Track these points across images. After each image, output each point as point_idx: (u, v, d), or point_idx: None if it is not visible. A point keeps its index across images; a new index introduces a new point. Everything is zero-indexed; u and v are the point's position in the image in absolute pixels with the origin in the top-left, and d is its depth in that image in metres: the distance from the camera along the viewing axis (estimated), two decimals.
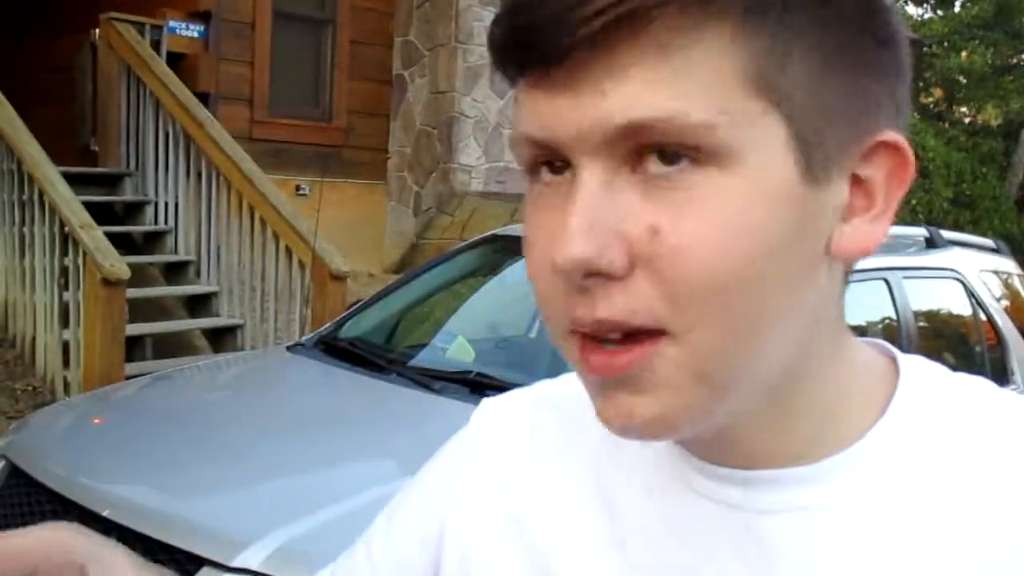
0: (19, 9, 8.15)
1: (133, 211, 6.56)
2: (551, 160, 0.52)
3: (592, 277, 0.49)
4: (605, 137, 0.49)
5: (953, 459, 0.57)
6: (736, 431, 0.57)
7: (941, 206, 12.69)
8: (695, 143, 0.48)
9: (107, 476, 2.60)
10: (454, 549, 0.69)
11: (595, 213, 0.49)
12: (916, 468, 0.57)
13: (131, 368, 4.83)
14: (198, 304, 6.13)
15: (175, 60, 6.89)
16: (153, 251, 6.42)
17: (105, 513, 2.35)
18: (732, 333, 0.50)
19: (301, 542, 2.17)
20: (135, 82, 6.46)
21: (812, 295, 0.54)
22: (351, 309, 3.87)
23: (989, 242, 4.99)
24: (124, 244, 5.55)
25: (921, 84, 15.37)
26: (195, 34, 7.23)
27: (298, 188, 7.66)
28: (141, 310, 5.57)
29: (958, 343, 4.22)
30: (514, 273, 4.01)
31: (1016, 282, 4.74)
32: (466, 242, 4.22)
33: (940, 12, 16.61)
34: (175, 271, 6.31)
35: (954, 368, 0.63)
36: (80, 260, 4.82)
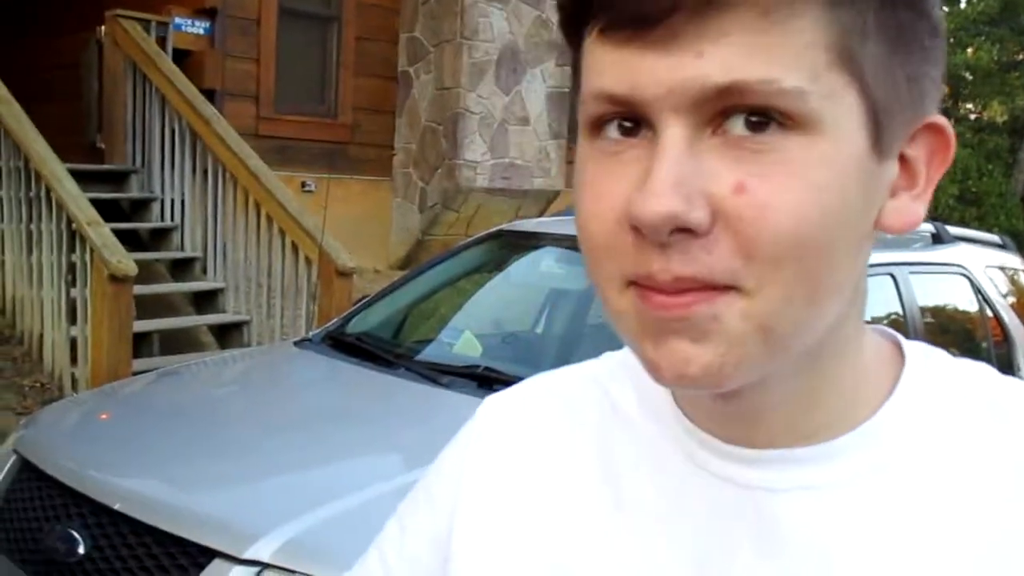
0: (25, 6, 8.17)
1: (139, 208, 6.57)
2: (625, 118, 0.53)
3: (677, 233, 0.50)
4: (697, 97, 0.50)
5: (958, 440, 0.58)
6: (764, 405, 0.58)
7: (947, 203, 12.68)
8: (787, 109, 0.50)
9: (117, 470, 2.61)
10: (463, 542, 0.69)
11: (681, 170, 0.50)
12: (923, 448, 0.58)
13: (138, 364, 4.84)
14: (205, 300, 6.15)
15: (181, 57, 6.90)
16: (160, 248, 6.43)
17: (116, 506, 2.36)
18: (801, 294, 0.51)
19: (311, 535, 2.18)
20: (141, 79, 6.48)
21: (862, 266, 0.57)
22: (358, 304, 3.88)
23: (995, 238, 4.98)
24: (131, 241, 5.56)
25: None
26: (201, 31, 7.24)
27: (304, 184, 7.67)
28: (148, 306, 5.58)
29: (964, 339, 4.22)
30: (520, 269, 4.02)
31: (1022, 278, 4.74)
32: (472, 238, 4.23)
33: (946, 8, 16.59)
34: (181, 268, 6.32)
35: None
36: (87, 257, 4.84)
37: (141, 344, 5.28)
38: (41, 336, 5.24)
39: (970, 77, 15.34)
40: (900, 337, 0.64)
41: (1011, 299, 4.46)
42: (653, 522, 0.62)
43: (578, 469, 0.67)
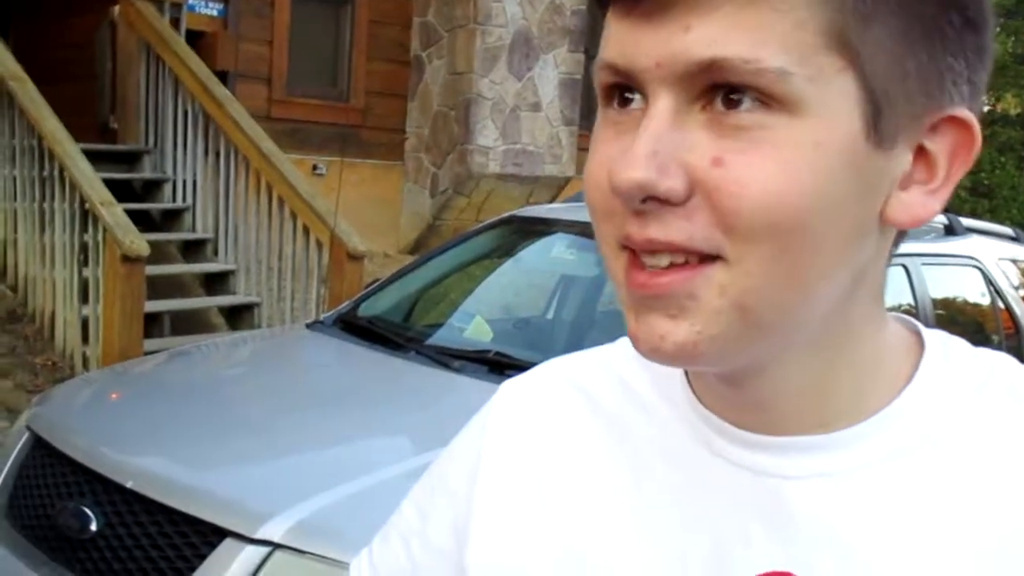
0: None
1: (151, 189, 6.58)
2: (626, 88, 0.55)
3: (650, 201, 0.51)
4: (682, 71, 0.51)
5: (976, 429, 0.58)
6: (775, 392, 0.58)
7: (958, 195, 12.63)
8: (768, 89, 0.50)
9: (130, 448, 2.63)
10: (481, 527, 0.69)
11: (660, 140, 0.51)
12: (940, 436, 0.58)
13: (149, 345, 4.86)
14: (215, 282, 6.16)
15: (194, 38, 6.90)
16: (171, 229, 6.44)
17: (129, 484, 2.38)
18: (781, 272, 0.52)
19: (322, 515, 2.19)
20: (154, 60, 6.47)
21: (860, 256, 0.55)
22: (369, 288, 3.88)
23: (1008, 230, 4.96)
24: (142, 221, 5.56)
25: None
26: (214, 12, 7.23)
27: (315, 168, 7.67)
28: (159, 287, 5.60)
29: (975, 331, 4.21)
30: (531, 254, 4.02)
31: None
32: (483, 223, 4.23)
33: None
34: (193, 249, 6.33)
35: None
36: (100, 237, 4.85)
37: (152, 325, 5.29)
38: (53, 315, 5.26)
39: None
40: (920, 326, 0.64)
41: (1023, 292, 4.45)
42: (669, 507, 0.62)
43: (594, 454, 0.67)
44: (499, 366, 2.90)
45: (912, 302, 3.55)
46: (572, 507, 0.66)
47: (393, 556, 0.75)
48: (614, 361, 0.70)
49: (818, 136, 0.51)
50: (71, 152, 5.06)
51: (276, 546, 2.12)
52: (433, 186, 8.35)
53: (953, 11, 0.53)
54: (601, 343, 0.73)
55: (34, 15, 7.86)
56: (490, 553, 0.68)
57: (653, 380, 0.66)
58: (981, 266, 4.16)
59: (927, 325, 0.65)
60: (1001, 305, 4.21)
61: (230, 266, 6.11)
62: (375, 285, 3.89)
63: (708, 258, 0.52)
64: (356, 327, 3.44)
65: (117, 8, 6.71)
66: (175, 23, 6.75)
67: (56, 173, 5.17)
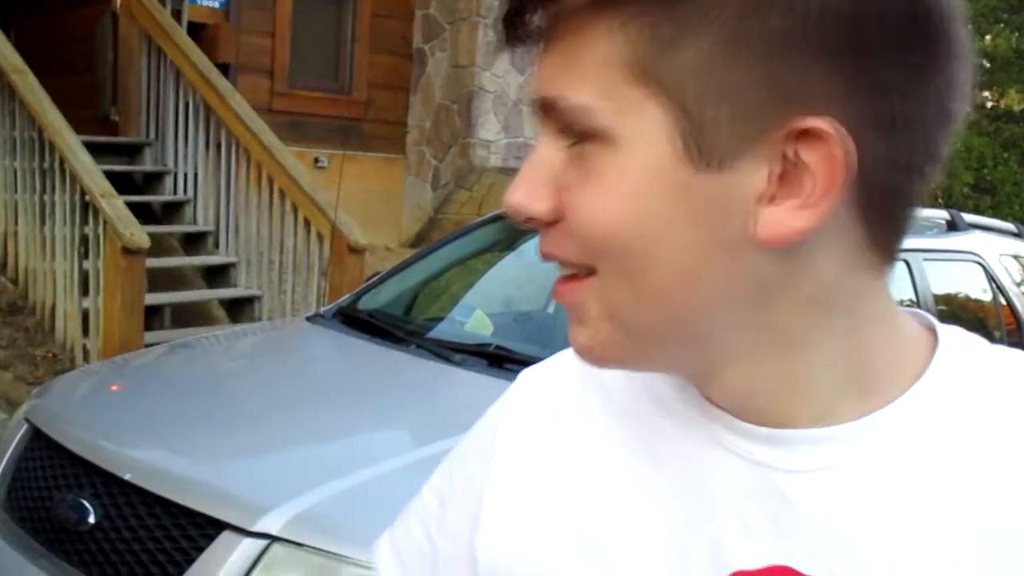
0: None
1: (152, 181, 6.58)
2: None
3: (532, 221, 0.58)
4: (538, 107, 0.57)
5: (985, 426, 0.58)
6: (749, 391, 0.59)
7: (961, 191, 12.61)
8: (578, 123, 0.55)
9: (128, 440, 2.62)
10: (492, 511, 0.70)
11: (535, 169, 0.57)
12: (945, 435, 0.58)
13: (150, 337, 4.86)
14: (216, 275, 6.16)
15: (196, 30, 6.89)
16: (172, 221, 6.44)
17: (127, 477, 2.38)
18: (629, 287, 0.56)
19: (321, 509, 2.19)
20: (155, 52, 6.46)
21: (735, 270, 0.55)
22: (370, 281, 3.88)
23: (1010, 226, 4.96)
24: (143, 214, 5.56)
25: None
26: (216, 4, 7.22)
27: (317, 160, 7.66)
28: (159, 280, 5.60)
29: (977, 326, 4.20)
30: (531, 249, 4.01)
31: None
32: (484, 217, 4.22)
33: None
34: (193, 242, 6.33)
35: None
36: (100, 229, 4.84)
37: (152, 317, 5.29)
38: (53, 307, 5.26)
39: (988, 65, 15.22)
40: (935, 322, 0.64)
41: None
42: (676, 498, 0.63)
43: (606, 444, 0.67)
44: (499, 360, 2.90)
45: (913, 297, 3.54)
46: (583, 496, 0.66)
47: (413, 539, 0.76)
48: None
49: (633, 164, 0.54)
50: (72, 144, 5.05)
51: (274, 539, 2.12)
52: (435, 179, 8.34)
53: (788, 18, 0.51)
54: None
55: (35, 7, 7.84)
56: (498, 540, 0.69)
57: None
58: (983, 262, 4.16)
59: None
60: (1003, 301, 4.21)
61: (231, 259, 6.10)
62: (376, 278, 3.88)
63: (592, 271, 0.57)
64: (356, 320, 3.44)
65: (119, 0, 6.70)
66: (177, 15, 6.74)
67: (57, 165, 5.16)
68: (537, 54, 0.57)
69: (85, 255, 5.02)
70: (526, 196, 0.57)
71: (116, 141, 6.63)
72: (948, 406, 0.59)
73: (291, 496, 2.21)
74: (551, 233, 0.58)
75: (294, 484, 2.28)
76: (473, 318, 3.44)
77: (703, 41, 0.52)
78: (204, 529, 2.20)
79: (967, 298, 4.26)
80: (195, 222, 6.36)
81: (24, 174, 5.45)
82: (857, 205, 0.55)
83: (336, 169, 6.20)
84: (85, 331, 5.01)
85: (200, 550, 2.18)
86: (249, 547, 2.12)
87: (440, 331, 3.42)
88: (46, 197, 5.30)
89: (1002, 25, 14.91)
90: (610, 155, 0.54)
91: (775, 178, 0.53)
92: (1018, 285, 4.37)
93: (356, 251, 5.26)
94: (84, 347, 5.00)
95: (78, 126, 5.31)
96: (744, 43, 0.51)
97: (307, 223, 5.47)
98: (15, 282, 5.57)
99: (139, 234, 4.66)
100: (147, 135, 6.67)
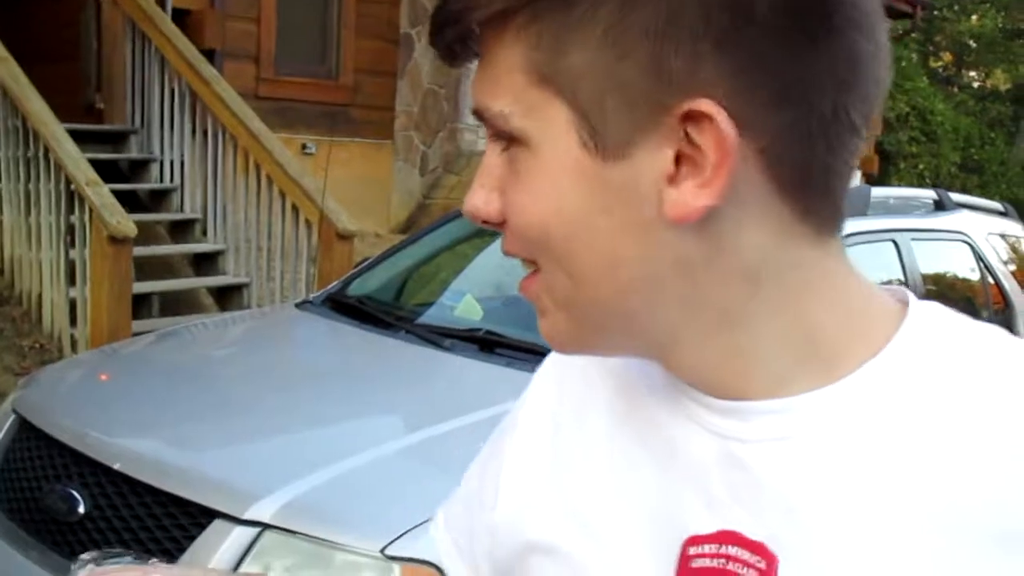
0: None
1: (138, 169, 6.54)
2: None
3: (486, 223, 0.62)
4: (477, 119, 0.62)
5: (943, 403, 0.58)
6: (700, 366, 0.62)
7: (948, 170, 12.64)
8: (500, 129, 0.59)
9: (117, 430, 2.61)
10: (506, 488, 0.74)
11: (484, 175, 0.62)
12: (903, 408, 0.59)
13: (138, 326, 4.84)
14: (204, 262, 6.13)
15: (180, 16, 6.83)
16: (159, 209, 6.40)
17: (116, 466, 2.37)
18: (570, 276, 0.60)
19: (312, 496, 2.18)
20: (140, 39, 6.41)
21: (656, 252, 0.58)
22: (359, 267, 3.87)
23: (997, 205, 4.98)
24: (130, 202, 5.52)
25: (931, 48, 15.24)
26: None
27: (304, 147, 7.63)
28: (147, 268, 5.57)
29: (965, 305, 4.22)
30: None
31: (1023, 245, 4.73)
32: None
33: None
34: (181, 229, 6.30)
35: None
36: (87, 217, 4.81)
37: (140, 306, 5.27)
38: (40, 297, 5.24)
39: (974, 45, 15.25)
40: (912, 296, 0.64)
41: (1012, 266, 4.46)
42: (655, 468, 0.65)
43: (603, 416, 0.70)
44: (489, 344, 2.89)
45: (902, 277, 3.55)
46: (580, 467, 0.70)
47: (459, 517, 0.81)
48: None
49: (548, 162, 0.58)
50: (56, 133, 5.02)
51: (266, 526, 2.12)
52: (423, 164, 8.32)
53: (639, 9, 0.54)
54: None
55: None
56: (509, 508, 0.73)
57: None
58: (971, 241, 4.17)
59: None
60: (990, 280, 4.23)
61: (219, 246, 6.08)
62: (365, 264, 3.87)
63: (538, 266, 0.62)
64: (346, 306, 3.43)
65: None
66: (161, 1, 6.68)
67: (41, 154, 5.13)
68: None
69: (71, 244, 4.99)
70: (479, 201, 0.62)
71: (101, 129, 6.59)
72: (908, 379, 0.59)
73: (282, 483, 2.21)
74: (505, 233, 0.62)
75: (285, 471, 2.28)
76: (463, 303, 3.43)
77: (589, 39, 0.56)
78: (195, 518, 2.20)
79: (955, 277, 4.27)
80: (182, 210, 6.32)
81: (8, 163, 5.41)
82: (770, 178, 0.57)
83: (324, 155, 6.18)
84: (72, 320, 4.98)
85: (191, 539, 2.17)
86: (241, 535, 2.12)
87: (430, 316, 3.42)
88: (31, 186, 5.26)
89: (988, 5, 14.93)
90: (530, 156, 0.58)
91: (674, 160, 0.56)
92: (1005, 264, 4.38)
93: (345, 237, 5.24)
94: (72, 336, 4.98)
95: (62, 114, 5.27)
96: (626, 36, 0.55)
97: (295, 210, 5.45)
98: (1, 272, 5.54)
99: (126, 222, 4.63)
100: (132, 123, 6.63)
